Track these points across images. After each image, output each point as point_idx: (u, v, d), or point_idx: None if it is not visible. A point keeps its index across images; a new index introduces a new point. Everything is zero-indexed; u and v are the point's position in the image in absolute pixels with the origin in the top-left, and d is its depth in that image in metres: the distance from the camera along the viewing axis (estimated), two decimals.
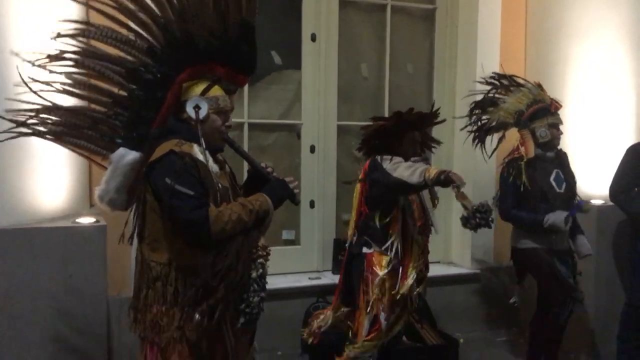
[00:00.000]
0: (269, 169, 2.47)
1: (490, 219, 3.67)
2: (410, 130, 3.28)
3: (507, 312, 4.86)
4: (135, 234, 2.40)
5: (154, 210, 2.25)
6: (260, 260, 2.33)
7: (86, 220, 3.17)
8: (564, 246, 3.74)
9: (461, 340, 4.33)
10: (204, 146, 2.26)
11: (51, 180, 3.22)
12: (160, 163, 2.18)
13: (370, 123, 3.36)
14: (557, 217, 3.59)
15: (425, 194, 3.36)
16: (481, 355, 4.34)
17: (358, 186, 3.40)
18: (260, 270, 2.31)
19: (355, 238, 3.38)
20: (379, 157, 3.24)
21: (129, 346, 3.89)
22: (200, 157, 2.23)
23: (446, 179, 2.81)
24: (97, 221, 3.18)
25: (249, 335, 2.50)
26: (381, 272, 3.21)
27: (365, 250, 3.32)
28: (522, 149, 3.75)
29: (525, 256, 3.77)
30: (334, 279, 4.47)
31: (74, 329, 3.12)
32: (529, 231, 3.73)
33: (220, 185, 2.27)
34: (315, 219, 4.58)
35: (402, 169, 3.07)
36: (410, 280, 3.24)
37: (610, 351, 4.14)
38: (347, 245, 3.49)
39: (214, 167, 2.29)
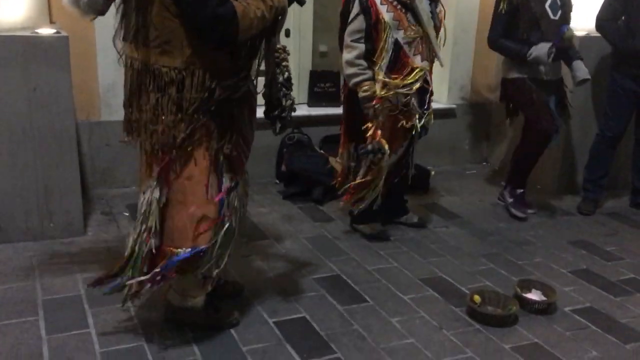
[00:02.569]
0: None
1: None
2: None
3: (479, 147, 4.97)
4: (119, 37, 2.17)
5: (167, 9, 2.01)
6: (285, 63, 2.25)
7: (46, 31, 2.96)
8: (554, 76, 3.70)
9: (432, 173, 4.43)
10: None
11: None
12: None
13: None
14: (540, 50, 3.49)
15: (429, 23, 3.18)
16: (450, 185, 4.46)
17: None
18: (287, 73, 2.25)
19: None
20: None
21: (102, 170, 3.89)
22: None
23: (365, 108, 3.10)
24: (57, 32, 2.98)
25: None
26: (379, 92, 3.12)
27: None
28: None
29: (515, 87, 3.73)
30: (310, 111, 4.44)
31: (43, 150, 3.04)
32: (518, 62, 3.66)
33: None
34: (291, 49, 4.38)
35: (347, 40, 3.11)
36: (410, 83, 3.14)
37: (577, 183, 4.30)
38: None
39: None
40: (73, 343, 2.31)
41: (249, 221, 3.55)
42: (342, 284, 2.92)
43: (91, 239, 3.23)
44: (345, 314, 2.64)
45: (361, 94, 3.09)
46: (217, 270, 2.27)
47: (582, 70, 3.55)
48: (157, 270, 2.19)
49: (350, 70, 3.11)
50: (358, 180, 3.29)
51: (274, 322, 2.54)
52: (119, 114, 3.81)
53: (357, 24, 3.07)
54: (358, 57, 3.07)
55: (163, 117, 2.11)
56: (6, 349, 2.26)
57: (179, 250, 2.19)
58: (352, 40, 3.09)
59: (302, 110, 4.40)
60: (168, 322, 2.46)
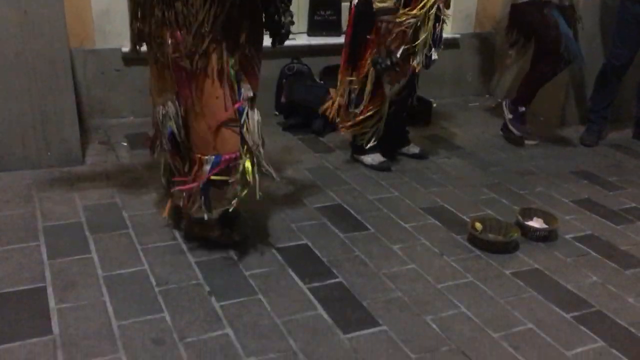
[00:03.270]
0: None
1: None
2: None
3: (482, 79, 4.88)
4: None
5: None
6: None
7: None
8: (566, 1, 3.59)
9: (435, 104, 4.36)
10: None
11: None
12: None
13: None
14: None
15: None
16: (453, 117, 4.40)
17: None
18: None
19: None
20: None
21: (98, 100, 3.82)
22: None
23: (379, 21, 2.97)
24: None
25: None
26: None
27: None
28: None
29: (526, 11, 3.62)
30: (310, 40, 4.32)
31: (38, 76, 2.96)
32: None
33: None
34: None
35: None
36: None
37: (580, 115, 4.24)
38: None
39: None
40: (75, 267, 2.32)
41: None
42: (343, 212, 2.91)
43: (90, 167, 3.20)
44: (346, 241, 2.65)
45: (377, 4, 2.96)
46: (244, 189, 2.29)
47: None
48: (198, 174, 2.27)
49: None
50: (360, 117, 3.25)
51: (276, 249, 2.54)
52: (113, 42, 3.76)
53: None
54: None
55: (170, 31, 2.11)
56: (9, 273, 2.26)
57: (206, 157, 2.25)
58: None
59: (301, 40, 4.29)
60: (186, 235, 2.53)
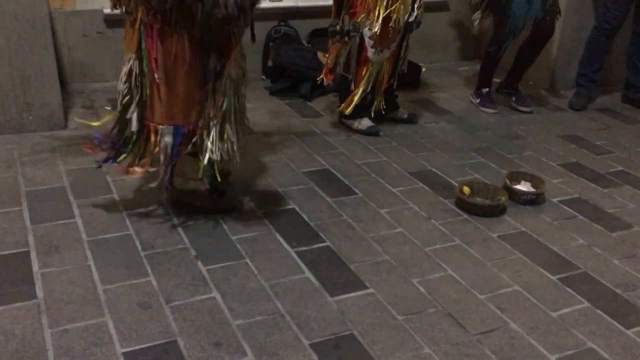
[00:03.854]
0: None
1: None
2: None
3: (472, 43, 4.83)
4: None
5: None
6: None
7: None
8: None
9: (424, 69, 4.32)
10: None
11: None
12: None
13: None
14: None
15: None
16: (442, 81, 4.36)
17: None
18: None
19: None
20: None
21: (80, 63, 3.73)
22: None
23: None
24: None
25: None
26: None
27: None
28: None
29: None
30: (297, 1, 4.23)
31: (16, 37, 2.88)
32: None
33: None
34: None
35: None
36: None
37: (570, 80, 4.21)
38: None
39: None
40: (59, 232, 2.29)
41: None
42: (331, 177, 2.89)
43: (72, 132, 3.14)
44: (334, 206, 2.63)
45: None
46: (217, 157, 2.21)
47: None
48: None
49: None
50: (355, 97, 3.24)
51: (263, 213, 2.52)
52: (94, 3, 3.65)
53: None
54: None
55: None
56: None
57: (160, 127, 2.18)
58: None
59: (288, 1, 4.20)
60: (179, 204, 2.49)
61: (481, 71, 3.90)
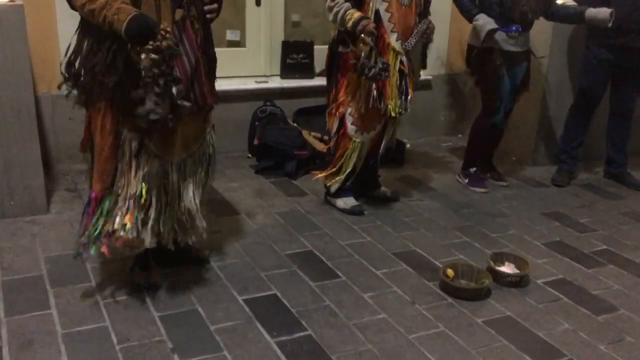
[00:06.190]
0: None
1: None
2: None
3: (455, 119, 4.92)
4: None
5: None
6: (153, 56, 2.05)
7: None
8: (524, 47, 3.59)
9: (408, 145, 4.38)
10: None
11: None
12: None
13: None
14: (486, 21, 3.46)
15: None
16: (426, 157, 4.41)
17: None
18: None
19: (335, 34, 3.16)
20: None
21: (66, 145, 3.76)
22: None
23: (359, 32, 2.94)
24: (11, 0, 2.82)
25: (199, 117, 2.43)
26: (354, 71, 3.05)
27: (341, 49, 3.13)
28: None
29: (479, 55, 3.63)
30: (282, 83, 4.33)
31: (1, 124, 2.91)
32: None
33: None
34: (262, 18, 4.27)
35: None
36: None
37: (552, 156, 4.27)
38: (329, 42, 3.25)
39: None
40: (34, 324, 2.23)
41: (220, 196, 3.48)
42: (314, 259, 2.87)
43: (54, 217, 3.12)
44: (317, 290, 2.59)
45: (350, 25, 2.95)
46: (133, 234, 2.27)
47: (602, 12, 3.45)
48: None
49: (331, 13, 3.00)
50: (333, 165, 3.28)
51: (243, 300, 2.48)
52: None
53: None
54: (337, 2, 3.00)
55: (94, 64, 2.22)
56: None
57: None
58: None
59: (274, 83, 4.30)
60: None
61: (468, 149, 3.94)
